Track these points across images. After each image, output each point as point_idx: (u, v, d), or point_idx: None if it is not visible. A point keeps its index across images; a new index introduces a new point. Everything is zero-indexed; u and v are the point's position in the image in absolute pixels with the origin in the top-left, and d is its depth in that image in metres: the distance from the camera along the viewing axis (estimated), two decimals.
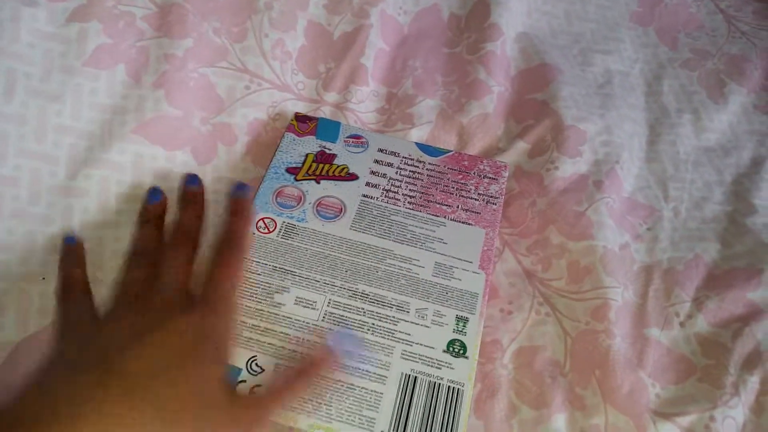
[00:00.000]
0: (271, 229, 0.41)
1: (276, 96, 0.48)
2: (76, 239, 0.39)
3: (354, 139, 0.47)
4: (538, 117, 0.51)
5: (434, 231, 0.42)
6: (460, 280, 0.40)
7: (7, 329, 0.37)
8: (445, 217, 0.43)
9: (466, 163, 0.46)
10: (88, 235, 0.40)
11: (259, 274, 0.39)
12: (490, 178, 0.46)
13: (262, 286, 0.39)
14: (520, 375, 0.39)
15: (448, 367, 0.37)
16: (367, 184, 0.44)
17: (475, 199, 0.44)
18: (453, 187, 0.45)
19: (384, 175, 0.45)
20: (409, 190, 0.44)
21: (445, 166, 0.46)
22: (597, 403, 0.38)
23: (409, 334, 0.38)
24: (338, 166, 0.45)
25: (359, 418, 0.35)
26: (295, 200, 0.43)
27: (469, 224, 0.43)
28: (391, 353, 0.37)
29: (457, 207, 0.44)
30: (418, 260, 0.41)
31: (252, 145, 0.47)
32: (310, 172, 0.44)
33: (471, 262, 0.41)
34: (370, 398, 0.35)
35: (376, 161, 0.46)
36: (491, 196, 0.45)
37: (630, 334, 0.41)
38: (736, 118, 0.55)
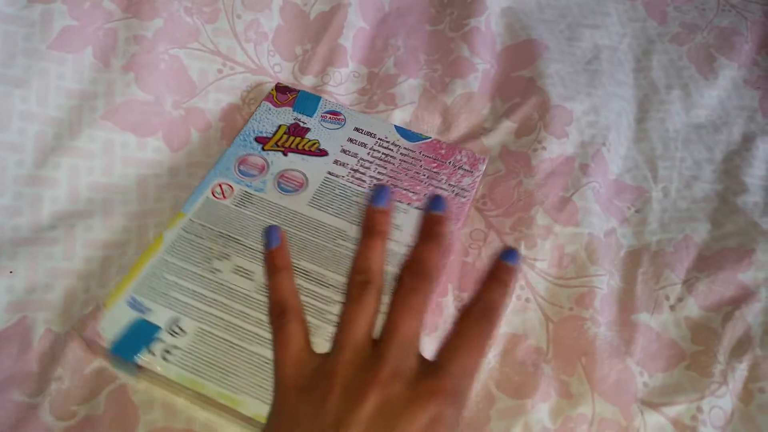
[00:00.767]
0: (226, 195, 0.40)
1: (250, 80, 0.47)
2: (280, 235, 0.32)
3: (331, 115, 0.45)
4: (525, 95, 0.49)
5: (394, 217, 0.41)
6: None
7: None
8: (408, 204, 0.42)
9: (443, 151, 0.45)
10: (58, 226, 0.38)
11: (202, 238, 0.38)
12: (464, 170, 0.44)
13: (203, 250, 0.38)
14: (500, 364, 0.38)
15: None
16: (336, 162, 0.43)
17: (444, 190, 0.43)
18: (424, 175, 0.43)
19: (355, 155, 0.44)
20: (378, 172, 0.43)
21: (420, 153, 0.44)
22: (584, 391, 0.37)
23: None
24: (309, 141, 0.44)
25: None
26: (258, 169, 0.42)
27: None
28: (316, 333, 0.35)
29: (424, 195, 0.42)
30: None
31: (226, 131, 0.45)
32: (279, 143, 0.43)
33: None
34: None
35: (350, 140, 0.44)
36: (462, 189, 0.43)
37: (617, 322, 0.41)
38: (726, 94, 0.54)
